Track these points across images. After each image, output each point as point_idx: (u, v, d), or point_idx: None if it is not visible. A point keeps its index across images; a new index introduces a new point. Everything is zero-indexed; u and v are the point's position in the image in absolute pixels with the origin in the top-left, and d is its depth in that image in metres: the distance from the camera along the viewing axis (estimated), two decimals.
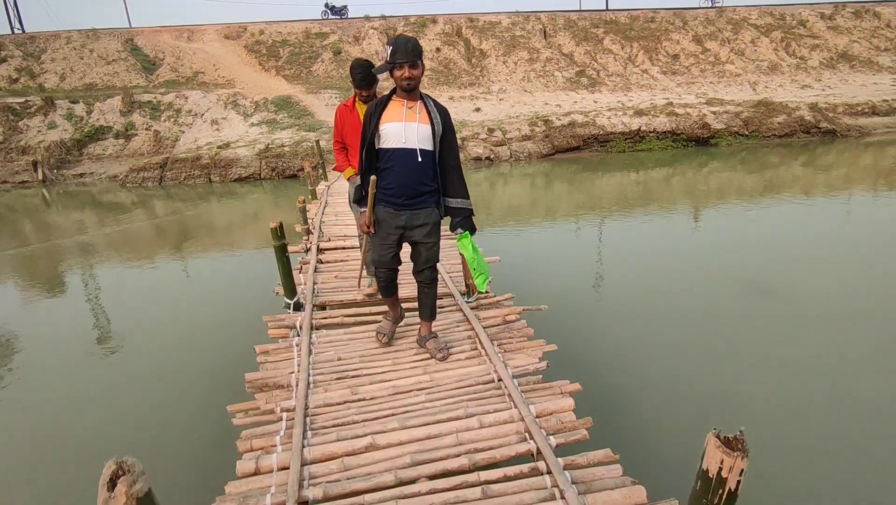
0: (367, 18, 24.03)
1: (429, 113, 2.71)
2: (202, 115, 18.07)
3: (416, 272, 3.00)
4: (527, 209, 10.58)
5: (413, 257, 2.98)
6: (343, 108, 3.73)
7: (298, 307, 3.65)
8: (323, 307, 3.83)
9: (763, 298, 5.48)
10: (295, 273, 4.36)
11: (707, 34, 23.38)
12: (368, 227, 2.85)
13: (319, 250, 4.96)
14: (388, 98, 2.73)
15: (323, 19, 24.91)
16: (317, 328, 3.39)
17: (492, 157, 14.70)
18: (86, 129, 17.87)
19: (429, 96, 2.79)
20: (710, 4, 26.77)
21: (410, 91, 2.65)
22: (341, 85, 20.15)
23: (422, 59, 2.63)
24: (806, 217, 8.82)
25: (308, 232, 5.67)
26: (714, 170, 13.40)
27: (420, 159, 2.69)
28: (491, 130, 15.39)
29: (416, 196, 2.77)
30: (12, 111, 17.96)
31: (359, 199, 2.92)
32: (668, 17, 24.40)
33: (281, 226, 3.52)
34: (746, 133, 15.47)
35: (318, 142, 10.83)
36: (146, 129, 17.92)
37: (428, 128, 2.69)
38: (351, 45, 22.33)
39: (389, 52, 2.59)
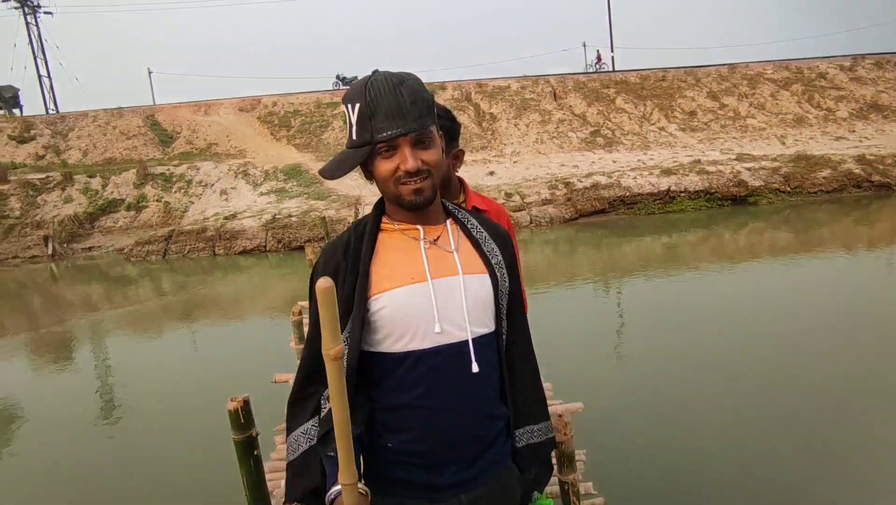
0: None
1: (477, 245, 1.18)
2: (212, 185, 17.85)
3: None
4: (561, 284, 9.50)
5: None
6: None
7: None
8: None
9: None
10: (278, 442, 2.85)
11: (722, 90, 23.01)
12: None
13: None
14: (372, 227, 1.16)
15: (334, 90, 25.36)
16: None
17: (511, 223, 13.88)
18: (99, 203, 17.77)
19: (460, 207, 1.26)
20: (595, 69, 26.30)
21: (425, 205, 1.12)
22: None
23: (435, 120, 1.12)
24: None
25: None
26: (756, 230, 12.31)
27: (478, 368, 1.11)
28: (508, 195, 14.68)
29: (479, 453, 1.14)
30: (33, 187, 18.04)
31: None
32: (679, 75, 24.22)
33: (246, 405, 1.84)
34: (788, 189, 14.48)
35: (323, 218, 10.04)
36: (157, 200, 17.73)
37: (485, 280, 1.15)
38: None
39: (356, 114, 1.07)
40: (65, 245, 16.50)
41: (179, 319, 9.31)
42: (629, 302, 7.97)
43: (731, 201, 14.46)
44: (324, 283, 0.84)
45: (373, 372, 1.13)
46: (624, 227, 13.49)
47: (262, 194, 16.73)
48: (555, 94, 22.95)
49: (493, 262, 1.17)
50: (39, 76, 31.01)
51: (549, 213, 14.24)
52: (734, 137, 20.08)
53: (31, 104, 41.81)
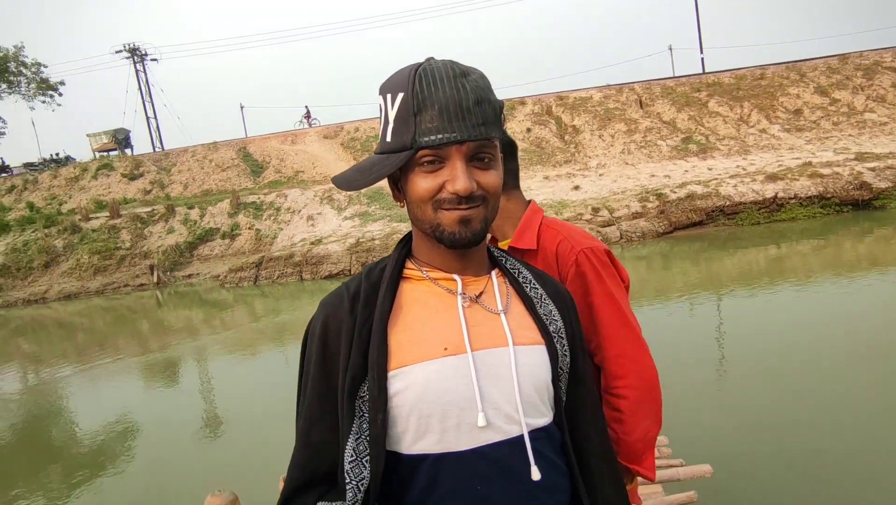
0: None
1: (530, 307, 0.89)
2: (299, 211, 18.58)
3: None
4: (657, 305, 8.68)
5: None
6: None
7: None
8: None
9: None
10: None
11: (833, 84, 20.73)
12: None
13: None
14: (392, 273, 0.87)
15: None
16: None
17: (599, 239, 13.13)
18: (197, 232, 19.06)
19: (502, 249, 1.01)
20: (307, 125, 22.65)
21: (472, 242, 0.82)
22: None
23: (502, 133, 0.83)
24: None
25: None
26: (882, 238, 10.71)
27: (540, 475, 0.81)
28: (595, 210, 13.92)
29: None
30: (140, 220, 19.76)
31: None
32: (779, 71, 22.16)
33: None
34: None
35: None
36: (249, 228, 18.72)
37: (542, 353, 0.86)
38: None
39: (396, 107, 0.79)
40: (168, 273, 17.79)
41: (273, 342, 9.55)
42: (737, 322, 7.02)
43: (851, 206, 12.77)
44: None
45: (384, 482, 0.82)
46: (725, 239, 12.29)
47: (346, 219, 17.15)
48: (640, 101, 21.83)
49: (550, 329, 0.88)
50: (147, 118, 34.38)
51: (641, 227, 13.30)
52: (850, 135, 17.92)
53: (141, 143, 46.99)
